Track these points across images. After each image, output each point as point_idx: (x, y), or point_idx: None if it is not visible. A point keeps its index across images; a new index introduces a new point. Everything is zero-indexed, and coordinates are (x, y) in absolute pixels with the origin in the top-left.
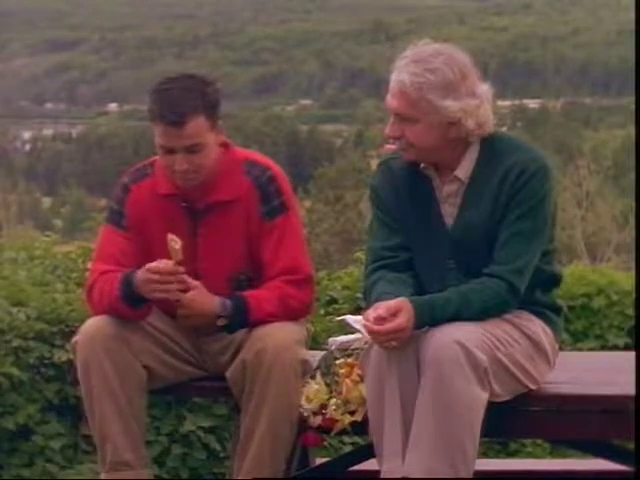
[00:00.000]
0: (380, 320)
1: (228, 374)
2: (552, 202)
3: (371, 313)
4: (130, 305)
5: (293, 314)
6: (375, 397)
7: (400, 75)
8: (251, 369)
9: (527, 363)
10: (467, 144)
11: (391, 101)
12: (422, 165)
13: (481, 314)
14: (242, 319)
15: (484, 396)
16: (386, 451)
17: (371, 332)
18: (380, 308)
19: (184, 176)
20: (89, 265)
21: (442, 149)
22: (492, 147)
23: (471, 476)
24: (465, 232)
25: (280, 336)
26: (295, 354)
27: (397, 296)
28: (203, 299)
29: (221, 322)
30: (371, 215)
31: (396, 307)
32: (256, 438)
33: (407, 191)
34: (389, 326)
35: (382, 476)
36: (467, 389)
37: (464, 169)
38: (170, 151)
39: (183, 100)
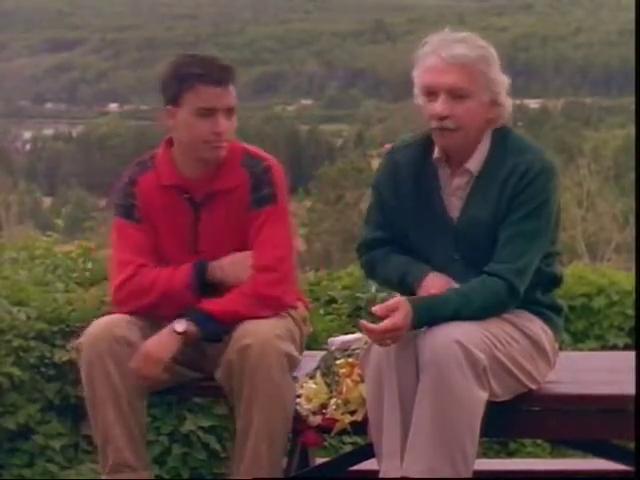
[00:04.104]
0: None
1: (217, 375)
2: (556, 203)
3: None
4: (199, 294)
5: (267, 307)
6: (374, 397)
7: (455, 50)
8: (237, 368)
9: (527, 363)
10: (482, 135)
11: (443, 77)
12: (435, 156)
13: (480, 313)
14: (207, 322)
15: (483, 395)
16: (385, 451)
17: (367, 330)
18: (378, 308)
19: (219, 142)
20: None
21: (478, 132)
22: (502, 142)
23: (471, 476)
24: (469, 226)
25: (261, 332)
26: (278, 348)
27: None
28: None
29: (180, 327)
30: (371, 201)
31: (393, 305)
32: (251, 437)
33: (411, 184)
34: (384, 325)
35: (381, 476)
36: (466, 389)
37: (476, 161)
38: (209, 114)
39: (219, 62)
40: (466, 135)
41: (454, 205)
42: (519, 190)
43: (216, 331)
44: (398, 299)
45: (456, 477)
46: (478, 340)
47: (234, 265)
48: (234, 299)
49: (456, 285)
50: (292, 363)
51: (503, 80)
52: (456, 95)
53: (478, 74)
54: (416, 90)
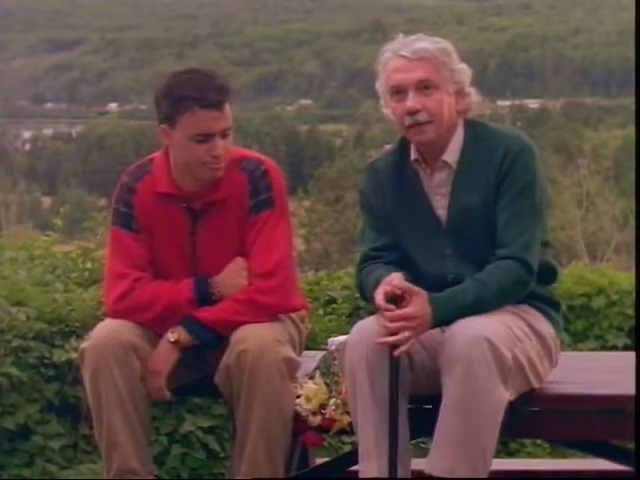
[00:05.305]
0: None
1: (215, 379)
2: (542, 181)
3: (384, 287)
4: (201, 307)
5: (262, 315)
6: (351, 396)
7: (414, 46)
8: (235, 373)
9: (537, 361)
10: (454, 127)
11: (409, 74)
12: (413, 157)
13: (501, 297)
14: (201, 330)
15: (506, 396)
16: (360, 452)
17: (386, 312)
18: (394, 281)
19: (217, 163)
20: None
21: (448, 126)
22: (475, 130)
23: (487, 476)
24: (459, 218)
25: (259, 337)
26: (276, 353)
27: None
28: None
29: (173, 337)
30: (362, 220)
31: (411, 291)
32: (249, 441)
33: (394, 191)
34: (398, 312)
35: (359, 476)
36: (493, 390)
37: (452, 153)
38: (206, 139)
39: (215, 82)
40: (439, 127)
41: (440, 203)
42: (504, 172)
43: (210, 339)
44: (419, 289)
45: (476, 477)
46: (503, 337)
47: (227, 278)
48: (228, 307)
49: (400, 278)
50: (292, 367)
51: (464, 69)
52: (424, 88)
53: (441, 65)
54: (383, 99)
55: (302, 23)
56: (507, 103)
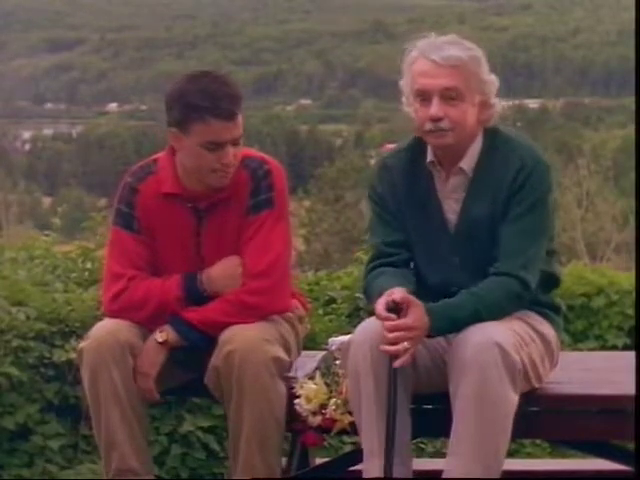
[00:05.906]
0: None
1: (205, 381)
2: (553, 198)
3: (385, 298)
4: (191, 305)
5: (250, 315)
6: (354, 396)
7: (446, 52)
8: (223, 374)
9: (539, 362)
10: (474, 136)
11: (436, 80)
12: (429, 159)
13: (497, 311)
14: (188, 331)
15: (515, 398)
16: (364, 452)
17: (386, 321)
18: (395, 294)
19: (227, 172)
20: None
21: (469, 134)
22: (494, 141)
23: (499, 476)
24: (469, 227)
25: (246, 337)
26: (265, 352)
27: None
28: (145, 356)
29: (161, 337)
30: (370, 214)
31: (410, 302)
32: (242, 441)
33: (406, 190)
34: (397, 322)
35: (363, 476)
36: (504, 394)
37: (469, 160)
38: (217, 147)
39: (229, 90)
40: (459, 135)
41: (451, 208)
42: (517, 188)
43: (197, 340)
44: (414, 299)
45: (489, 477)
46: (513, 343)
47: (224, 277)
48: (216, 308)
49: (401, 292)
50: (280, 366)
51: (493, 81)
52: (449, 97)
53: (470, 75)
54: (406, 98)
55: (302, 23)
56: (507, 103)
